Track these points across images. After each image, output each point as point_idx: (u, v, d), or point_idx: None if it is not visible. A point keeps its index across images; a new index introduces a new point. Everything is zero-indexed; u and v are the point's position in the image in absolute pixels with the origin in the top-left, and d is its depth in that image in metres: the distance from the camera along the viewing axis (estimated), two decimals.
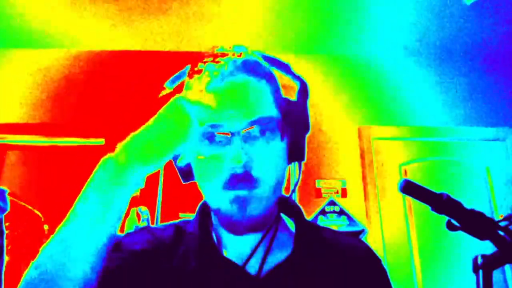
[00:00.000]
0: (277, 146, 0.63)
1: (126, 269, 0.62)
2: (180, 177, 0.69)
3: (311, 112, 0.68)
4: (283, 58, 0.68)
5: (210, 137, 0.61)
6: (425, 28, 2.42)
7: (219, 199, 0.62)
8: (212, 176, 0.61)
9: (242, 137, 0.59)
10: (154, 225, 0.75)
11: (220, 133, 0.60)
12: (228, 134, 0.60)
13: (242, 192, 0.60)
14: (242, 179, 0.59)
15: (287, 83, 0.74)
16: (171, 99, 0.56)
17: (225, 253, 0.66)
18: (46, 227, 2.24)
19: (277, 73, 0.68)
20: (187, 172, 0.67)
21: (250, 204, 0.60)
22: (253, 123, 0.60)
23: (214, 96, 0.60)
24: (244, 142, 0.59)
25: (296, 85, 0.68)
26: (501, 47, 2.59)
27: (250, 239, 0.66)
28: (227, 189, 0.60)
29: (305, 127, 0.67)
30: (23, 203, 2.01)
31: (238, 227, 0.65)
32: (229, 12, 2.27)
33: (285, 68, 0.68)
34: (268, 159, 0.61)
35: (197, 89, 0.63)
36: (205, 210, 0.72)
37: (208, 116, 0.59)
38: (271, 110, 0.62)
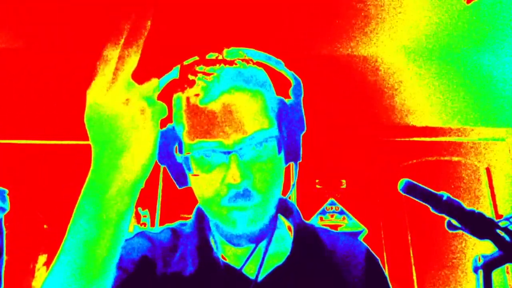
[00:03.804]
0: (275, 159, 0.61)
1: (127, 280, 0.61)
2: (174, 182, 0.67)
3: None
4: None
5: (206, 155, 0.58)
6: (423, 28, 2.42)
7: (218, 213, 0.61)
8: (210, 192, 0.60)
9: (239, 154, 0.57)
10: (151, 229, 0.73)
11: (216, 150, 0.57)
12: (225, 150, 0.57)
13: (242, 208, 0.58)
14: (241, 195, 0.58)
15: (281, 80, 0.72)
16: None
17: (223, 257, 0.66)
18: (45, 226, 2.24)
19: (270, 71, 0.66)
20: (181, 178, 0.65)
21: (250, 217, 0.59)
22: (249, 138, 0.57)
23: (208, 112, 0.57)
24: (241, 158, 0.57)
25: (290, 83, 0.66)
26: (500, 47, 2.59)
27: (248, 248, 0.66)
28: (226, 204, 0.59)
29: (301, 126, 0.65)
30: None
31: (238, 240, 0.65)
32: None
33: (279, 65, 0.65)
34: (266, 173, 0.60)
35: (188, 105, 0.59)
36: (202, 213, 0.71)
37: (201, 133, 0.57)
38: (267, 123, 0.59)
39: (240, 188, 0.57)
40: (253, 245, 0.66)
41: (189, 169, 0.60)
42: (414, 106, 2.60)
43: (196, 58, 0.62)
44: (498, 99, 2.64)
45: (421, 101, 2.61)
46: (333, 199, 2.35)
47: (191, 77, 0.59)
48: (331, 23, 2.38)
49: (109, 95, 0.45)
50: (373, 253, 0.73)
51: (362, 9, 2.26)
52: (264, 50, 0.67)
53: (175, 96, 0.63)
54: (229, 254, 0.66)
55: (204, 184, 0.60)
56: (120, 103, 0.46)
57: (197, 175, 0.60)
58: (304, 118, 0.66)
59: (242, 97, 0.58)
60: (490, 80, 2.68)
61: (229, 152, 0.57)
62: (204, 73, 0.58)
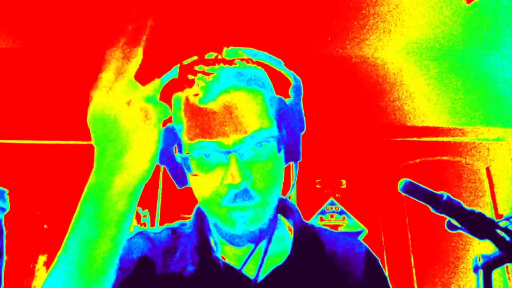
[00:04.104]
0: (275, 159, 0.60)
1: (127, 279, 0.61)
2: (174, 182, 0.66)
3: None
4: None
5: (205, 154, 0.58)
6: (423, 29, 2.42)
7: (218, 212, 0.61)
8: (210, 192, 0.59)
9: (239, 153, 0.56)
10: (151, 229, 0.73)
11: (215, 150, 0.57)
12: (225, 150, 0.57)
13: (241, 208, 0.58)
14: (241, 195, 0.57)
15: (281, 79, 0.72)
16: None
17: (223, 257, 0.66)
18: (45, 226, 2.24)
19: (270, 71, 0.66)
20: (181, 178, 0.65)
21: (250, 217, 0.59)
22: (249, 138, 0.57)
23: (207, 112, 0.57)
24: (241, 158, 0.57)
25: (289, 83, 0.66)
26: (500, 47, 2.59)
27: (247, 248, 0.66)
28: (225, 204, 0.59)
29: (300, 126, 0.65)
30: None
31: (238, 240, 0.65)
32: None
33: (278, 65, 0.65)
34: (266, 173, 0.59)
35: (187, 105, 0.59)
36: (202, 213, 0.71)
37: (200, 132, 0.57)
38: (267, 122, 0.59)
39: (239, 188, 0.56)
40: (253, 245, 0.65)
41: (189, 169, 0.60)
42: (414, 106, 2.60)
43: (196, 57, 0.62)
44: (498, 99, 2.64)
45: (421, 101, 2.61)
46: (333, 199, 2.35)
47: (190, 76, 0.59)
48: (332, 23, 2.38)
49: (112, 96, 0.45)
50: (373, 253, 0.73)
51: (363, 9, 2.26)
52: (264, 49, 0.66)
53: (174, 96, 0.62)
54: (229, 254, 0.66)
55: (203, 184, 0.60)
56: (123, 103, 0.46)
57: (197, 175, 0.59)
58: (304, 118, 0.65)
59: (242, 97, 0.58)
60: (490, 80, 2.68)
61: (228, 152, 0.56)
62: (204, 73, 0.58)
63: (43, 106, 2.47)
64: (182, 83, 0.60)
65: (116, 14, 2.29)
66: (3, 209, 1.37)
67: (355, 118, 2.55)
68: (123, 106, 0.46)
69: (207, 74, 0.58)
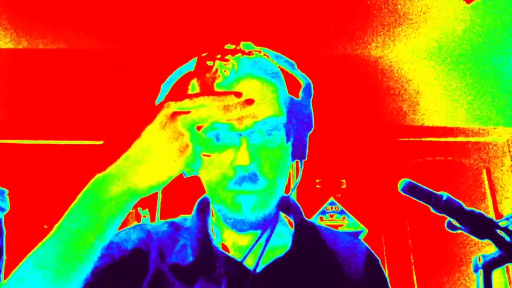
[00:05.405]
0: (283, 147, 0.63)
1: (114, 268, 0.61)
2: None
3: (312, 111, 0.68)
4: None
5: (217, 135, 0.60)
6: (426, 30, 2.42)
7: (224, 196, 0.62)
8: (218, 174, 0.61)
9: (250, 137, 0.59)
10: (152, 223, 0.74)
11: (227, 133, 0.59)
12: (237, 132, 0.59)
13: (248, 191, 0.60)
14: (249, 179, 0.59)
15: (292, 81, 0.74)
16: (163, 110, 0.47)
17: (224, 246, 0.66)
18: (45, 227, 2.24)
19: (283, 71, 0.68)
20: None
21: (255, 202, 0.61)
22: (261, 123, 0.59)
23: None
24: (251, 142, 0.59)
25: (300, 84, 0.68)
26: (499, 47, 2.59)
27: (249, 235, 0.66)
28: (232, 187, 0.60)
29: (308, 126, 0.67)
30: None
31: (241, 224, 0.66)
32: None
33: (291, 66, 0.68)
34: (274, 160, 0.61)
35: (205, 89, 0.61)
36: (204, 206, 0.72)
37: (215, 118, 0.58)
38: (278, 111, 0.62)
39: (247, 171, 0.58)
40: (255, 232, 0.66)
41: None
42: (414, 106, 2.60)
43: (214, 48, 0.65)
44: (498, 99, 2.64)
45: (421, 101, 2.61)
46: (333, 199, 2.35)
47: (209, 63, 0.62)
48: (336, 23, 2.38)
49: (172, 125, 0.47)
50: (373, 252, 0.73)
51: (368, 9, 2.26)
52: (272, 49, 0.69)
53: (191, 81, 0.65)
54: (229, 244, 0.67)
55: (212, 167, 0.61)
56: (175, 137, 0.47)
57: (208, 155, 0.61)
58: (313, 118, 0.67)
59: (257, 84, 0.61)
60: (490, 80, 2.68)
61: (240, 135, 0.59)
62: (222, 59, 0.61)
63: (43, 106, 2.47)
64: (201, 70, 0.63)
65: (116, 14, 2.29)
66: (3, 209, 1.37)
67: (356, 118, 2.55)
68: (172, 138, 0.47)
69: (226, 60, 0.61)
